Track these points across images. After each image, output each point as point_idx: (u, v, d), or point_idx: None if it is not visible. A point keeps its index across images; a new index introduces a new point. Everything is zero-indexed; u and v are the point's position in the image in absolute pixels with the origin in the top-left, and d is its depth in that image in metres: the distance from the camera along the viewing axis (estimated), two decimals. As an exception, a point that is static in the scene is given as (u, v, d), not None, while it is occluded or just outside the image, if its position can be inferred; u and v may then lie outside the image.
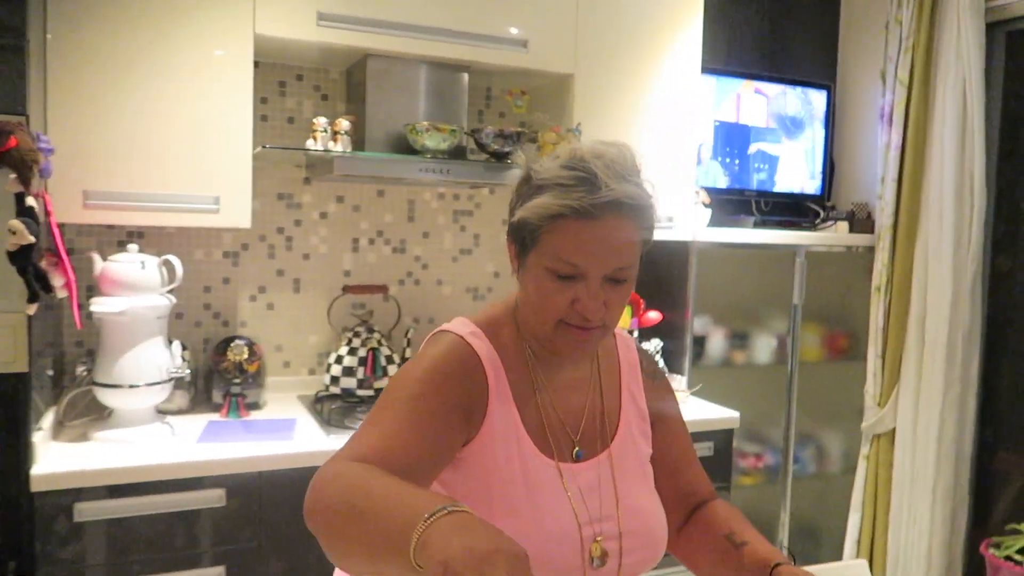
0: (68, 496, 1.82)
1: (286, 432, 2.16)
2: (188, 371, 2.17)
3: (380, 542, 0.78)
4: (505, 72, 2.61)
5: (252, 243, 2.57)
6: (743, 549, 1.12)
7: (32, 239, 1.71)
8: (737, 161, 3.18)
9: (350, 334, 2.50)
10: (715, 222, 2.98)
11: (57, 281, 1.81)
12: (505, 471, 1.05)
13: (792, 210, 3.36)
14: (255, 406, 2.40)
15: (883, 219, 3.08)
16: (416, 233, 2.79)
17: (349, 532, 0.83)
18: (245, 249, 2.56)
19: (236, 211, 2.17)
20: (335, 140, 2.25)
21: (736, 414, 2.65)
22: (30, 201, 1.74)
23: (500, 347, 1.11)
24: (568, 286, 1.02)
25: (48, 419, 2.04)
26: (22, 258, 1.72)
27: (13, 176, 1.72)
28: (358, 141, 2.36)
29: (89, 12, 2.01)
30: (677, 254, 2.90)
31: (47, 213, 1.84)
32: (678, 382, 2.79)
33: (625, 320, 2.80)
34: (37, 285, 1.75)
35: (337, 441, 2.11)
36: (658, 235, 2.91)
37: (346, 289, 2.56)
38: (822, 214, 3.31)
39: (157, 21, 2.07)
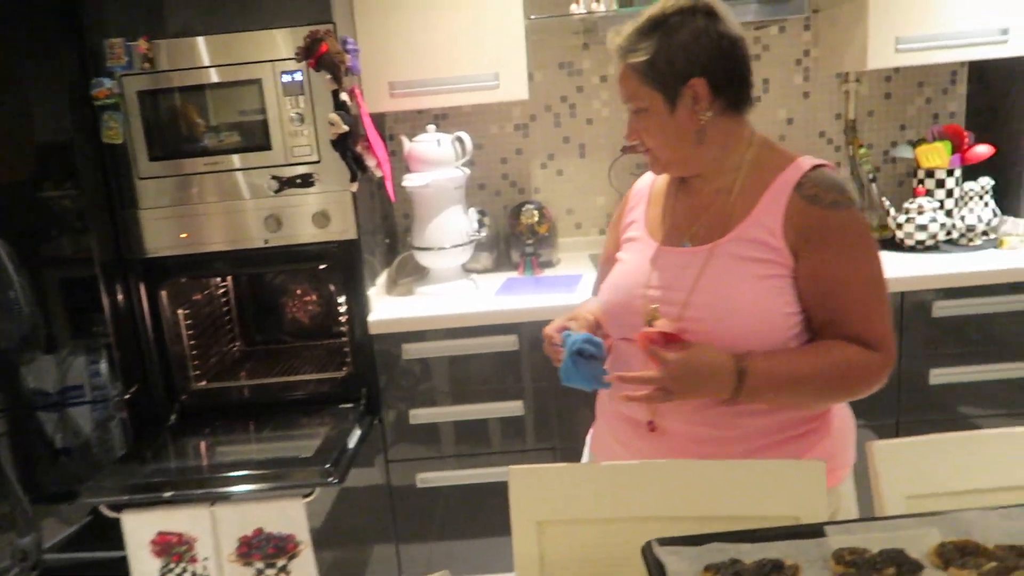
0: (396, 338, 2.25)
1: (570, 286, 2.36)
2: (483, 233, 2.46)
3: None
4: None
5: (539, 114, 2.74)
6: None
7: (346, 128, 2.07)
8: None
9: (632, 194, 2.58)
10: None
11: (370, 162, 2.17)
12: (622, 253, 1.43)
13: None
14: (548, 264, 2.64)
15: None
16: (699, 86, 2.72)
17: None
18: (533, 120, 2.75)
19: (514, 85, 2.34)
20: (598, 0, 2.27)
21: (1087, 261, 2.23)
22: (343, 96, 2.09)
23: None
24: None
25: (383, 278, 2.49)
26: (341, 145, 2.09)
27: (328, 77, 2.07)
28: (623, -2, 2.35)
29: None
30: (1013, 75, 2.43)
31: (358, 105, 2.18)
32: (1012, 225, 2.40)
33: (943, 157, 2.47)
34: (354, 166, 2.12)
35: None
36: (985, 52, 2.44)
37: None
38: None
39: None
